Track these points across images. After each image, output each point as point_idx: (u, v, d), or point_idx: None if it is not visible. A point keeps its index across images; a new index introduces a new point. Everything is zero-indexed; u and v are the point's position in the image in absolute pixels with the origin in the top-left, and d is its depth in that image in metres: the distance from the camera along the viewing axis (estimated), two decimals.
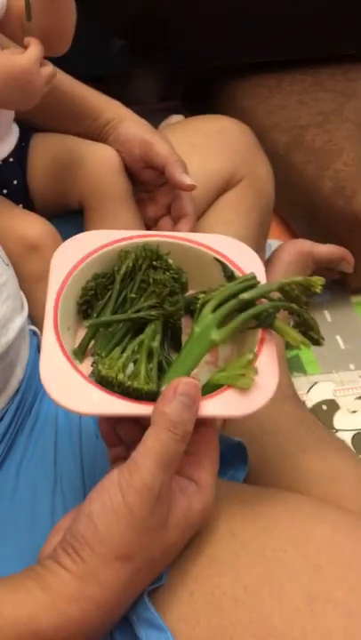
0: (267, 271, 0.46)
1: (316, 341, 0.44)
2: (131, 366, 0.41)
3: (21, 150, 0.67)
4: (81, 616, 0.35)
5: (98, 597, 0.35)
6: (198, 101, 1.27)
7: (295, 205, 1.03)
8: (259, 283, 0.43)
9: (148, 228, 0.69)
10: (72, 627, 0.35)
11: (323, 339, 0.44)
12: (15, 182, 0.67)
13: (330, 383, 0.86)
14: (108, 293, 0.44)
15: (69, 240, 0.46)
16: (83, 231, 0.48)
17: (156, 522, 0.36)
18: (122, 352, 0.41)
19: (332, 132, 1.02)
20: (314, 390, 0.85)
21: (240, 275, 0.45)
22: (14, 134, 0.67)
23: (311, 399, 0.84)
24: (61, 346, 0.40)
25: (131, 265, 0.44)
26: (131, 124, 0.68)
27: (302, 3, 1.11)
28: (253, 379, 0.39)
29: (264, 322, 0.42)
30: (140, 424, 0.41)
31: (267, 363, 0.40)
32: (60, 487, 0.49)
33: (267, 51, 1.17)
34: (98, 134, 0.69)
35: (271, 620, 0.37)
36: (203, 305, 0.42)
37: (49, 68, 0.54)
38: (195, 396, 0.37)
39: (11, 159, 0.66)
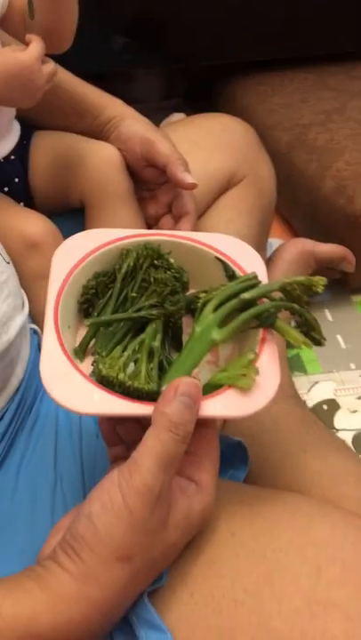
0: (268, 270, 0.46)
1: (318, 342, 0.43)
2: (131, 366, 0.41)
3: (23, 148, 0.67)
4: (80, 617, 0.35)
5: (97, 598, 0.35)
6: (200, 100, 1.27)
7: (297, 204, 1.02)
8: (260, 282, 0.43)
9: (150, 227, 0.69)
10: (71, 628, 0.35)
11: (324, 339, 0.44)
12: (16, 180, 0.67)
13: (331, 383, 0.86)
14: (109, 292, 0.44)
15: (70, 238, 0.46)
16: (84, 229, 0.47)
17: (156, 522, 0.36)
18: (122, 351, 0.41)
19: (334, 131, 1.02)
20: (314, 390, 0.85)
21: (241, 274, 0.44)
22: (15, 132, 0.67)
23: (312, 399, 0.84)
24: (62, 345, 0.40)
25: (132, 264, 0.44)
26: (132, 122, 0.68)
27: (304, 1, 1.11)
28: (254, 379, 0.39)
29: (265, 322, 0.41)
30: (141, 423, 0.41)
31: (268, 363, 0.40)
32: (61, 487, 0.49)
33: (267, 49, 1.17)
34: (99, 132, 0.69)
35: (271, 623, 0.37)
36: (204, 304, 0.42)
37: (50, 65, 0.54)
38: (195, 396, 0.37)
39: (12, 157, 0.66)
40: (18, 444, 0.51)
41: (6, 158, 0.65)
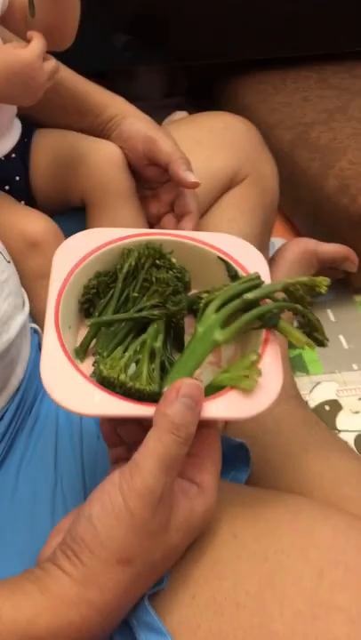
0: (270, 270, 0.45)
1: (321, 342, 0.43)
2: (133, 366, 0.40)
3: (24, 146, 0.67)
4: (80, 620, 0.34)
5: (98, 602, 0.35)
6: (202, 98, 1.27)
7: (299, 203, 1.02)
8: (263, 282, 0.43)
9: (151, 226, 0.69)
10: (71, 631, 0.34)
11: (327, 340, 0.43)
12: (17, 178, 0.66)
13: (333, 383, 0.86)
14: (111, 292, 0.44)
15: (71, 238, 0.46)
16: (85, 228, 0.47)
17: (157, 525, 0.35)
18: (124, 352, 0.41)
19: (337, 130, 1.02)
20: (317, 390, 0.85)
21: (244, 274, 0.44)
22: (17, 130, 0.66)
23: (314, 399, 0.84)
24: (62, 345, 0.39)
25: (133, 263, 0.44)
26: (134, 121, 0.67)
27: (305, 0, 1.10)
28: (257, 380, 0.38)
29: (268, 322, 0.41)
30: (142, 425, 0.41)
31: (271, 364, 0.40)
32: (61, 487, 0.49)
33: (269, 47, 1.17)
34: (101, 130, 0.69)
35: (273, 626, 0.37)
36: (206, 305, 0.42)
37: (52, 62, 0.54)
38: (197, 397, 0.37)
39: (13, 155, 0.66)
40: (18, 444, 0.50)
41: (7, 156, 0.65)
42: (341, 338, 0.91)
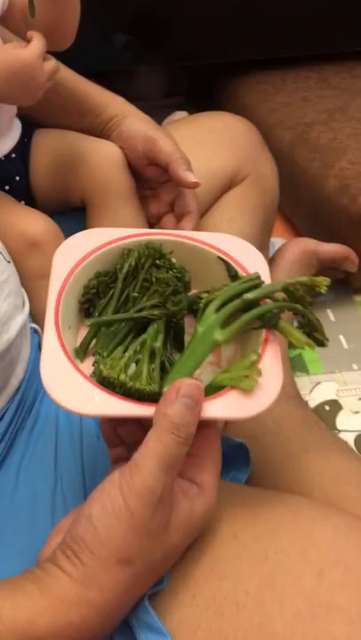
0: (270, 270, 0.45)
1: (321, 342, 0.43)
2: (133, 366, 0.40)
3: (24, 146, 0.67)
4: (80, 620, 0.34)
5: (98, 602, 0.35)
6: (202, 98, 1.27)
7: (299, 203, 1.02)
8: (263, 282, 0.43)
9: (151, 226, 0.69)
10: (71, 631, 0.34)
11: (327, 340, 0.43)
12: (17, 178, 0.66)
13: (333, 383, 0.86)
14: (111, 292, 0.44)
15: (71, 238, 0.45)
16: (85, 228, 0.47)
17: (157, 525, 0.35)
18: (124, 352, 0.41)
19: (337, 130, 1.02)
20: (316, 390, 0.85)
21: (244, 274, 0.44)
22: (16, 130, 0.66)
23: (314, 399, 0.83)
24: (62, 345, 0.39)
25: (133, 263, 0.44)
26: (134, 121, 0.67)
27: (305, 0, 1.10)
28: (257, 380, 0.38)
29: (268, 322, 0.41)
30: (142, 425, 0.41)
31: (271, 364, 0.40)
32: (61, 487, 0.49)
33: (269, 47, 1.17)
34: (101, 130, 0.69)
35: (273, 626, 0.36)
36: (206, 305, 0.42)
37: (52, 62, 0.54)
38: (197, 397, 0.36)
39: (13, 155, 0.66)
40: (18, 444, 0.50)
41: (7, 156, 0.65)
42: (341, 338, 0.91)
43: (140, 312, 0.42)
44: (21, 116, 0.67)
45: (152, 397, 0.38)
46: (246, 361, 0.39)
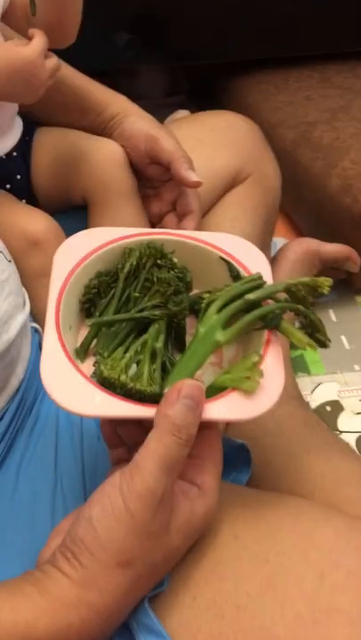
0: (272, 270, 0.45)
1: (323, 343, 0.43)
2: (133, 367, 0.40)
3: (25, 144, 0.67)
4: (80, 623, 0.34)
5: (98, 604, 0.34)
6: (204, 97, 1.26)
7: (301, 203, 1.02)
8: (265, 283, 0.43)
9: (153, 225, 0.68)
10: (71, 634, 0.34)
11: (329, 340, 0.43)
12: (19, 177, 0.66)
13: (334, 384, 0.85)
14: (112, 292, 0.43)
15: (72, 237, 0.45)
16: (86, 227, 0.47)
17: (158, 527, 0.35)
18: (124, 352, 0.40)
19: (340, 130, 1.01)
20: (318, 391, 0.84)
21: (246, 274, 0.44)
22: (18, 128, 0.66)
23: (315, 400, 0.83)
24: (63, 345, 0.39)
25: (135, 263, 0.43)
26: (136, 119, 0.67)
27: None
28: (259, 381, 0.38)
29: (270, 323, 0.41)
30: (143, 426, 0.41)
31: (273, 365, 0.39)
32: (61, 488, 0.49)
33: (269, 47, 1.17)
34: (103, 129, 0.69)
35: (274, 629, 0.36)
36: (208, 305, 0.41)
37: (53, 60, 0.54)
38: (199, 398, 0.36)
39: (14, 153, 0.65)
40: (18, 444, 0.50)
41: (8, 155, 0.65)
42: (343, 338, 0.91)
43: (142, 312, 0.42)
44: (23, 114, 0.66)
45: (153, 398, 0.38)
46: (248, 362, 0.39)
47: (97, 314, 0.43)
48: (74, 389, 0.37)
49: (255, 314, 0.41)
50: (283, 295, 0.42)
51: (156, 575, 0.37)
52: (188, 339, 0.43)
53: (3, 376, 0.49)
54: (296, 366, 0.87)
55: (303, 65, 1.19)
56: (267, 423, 0.64)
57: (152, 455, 0.35)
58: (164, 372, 0.41)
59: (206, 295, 0.43)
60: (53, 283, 0.42)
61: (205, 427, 0.38)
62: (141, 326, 0.42)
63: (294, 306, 0.41)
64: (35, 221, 0.60)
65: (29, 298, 0.55)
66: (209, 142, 0.74)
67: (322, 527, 0.41)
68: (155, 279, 0.43)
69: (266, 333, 0.41)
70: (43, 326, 0.51)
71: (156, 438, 0.35)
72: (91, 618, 0.34)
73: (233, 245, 0.46)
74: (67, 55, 0.59)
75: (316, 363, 0.88)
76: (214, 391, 0.39)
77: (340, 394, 0.84)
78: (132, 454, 0.36)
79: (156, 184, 0.68)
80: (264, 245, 0.79)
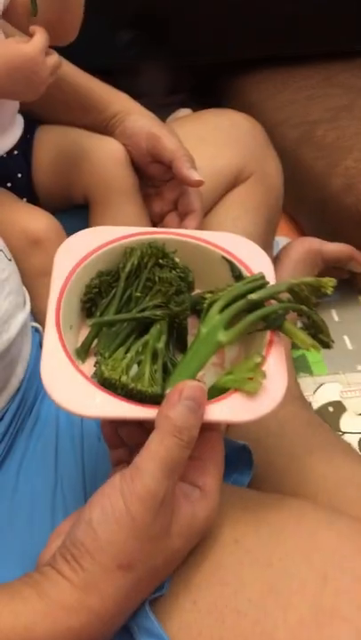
0: (274, 269, 0.45)
1: (326, 344, 0.43)
2: (135, 367, 0.40)
3: (26, 143, 0.66)
4: (80, 627, 0.34)
5: (98, 608, 0.34)
6: (206, 95, 1.26)
7: (304, 202, 1.01)
8: (268, 283, 0.42)
9: (154, 224, 0.68)
10: (70, 637, 0.34)
11: (333, 341, 0.43)
12: (19, 175, 0.66)
13: (337, 384, 0.85)
14: (113, 291, 0.43)
15: (73, 236, 0.45)
16: (88, 226, 0.47)
17: (159, 529, 0.35)
18: (126, 352, 0.40)
19: (342, 129, 1.01)
20: (320, 391, 0.84)
21: (248, 274, 0.43)
22: (19, 126, 0.66)
23: (317, 400, 0.83)
24: (63, 345, 0.39)
25: (136, 263, 0.43)
26: (138, 117, 0.67)
27: None
28: (261, 382, 0.38)
29: (273, 323, 0.41)
30: (144, 427, 0.40)
31: (275, 366, 0.39)
32: (61, 488, 0.48)
33: (269, 46, 1.16)
34: (104, 127, 0.68)
35: (276, 634, 0.36)
36: (210, 305, 0.41)
37: (54, 57, 0.53)
38: (200, 399, 0.36)
39: (15, 152, 0.65)
40: (18, 444, 0.50)
41: (9, 153, 0.65)
42: (346, 338, 0.91)
43: (143, 312, 0.42)
44: (24, 112, 0.66)
45: (154, 399, 0.38)
46: (250, 363, 0.39)
47: (98, 313, 0.43)
48: (74, 390, 0.37)
49: (258, 314, 0.40)
50: (285, 295, 0.42)
51: (156, 578, 0.37)
52: (190, 339, 0.42)
53: (3, 376, 0.49)
54: (298, 366, 0.86)
55: (306, 64, 1.19)
56: (269, 424, 0.64)
57: (153, 457, 0.35)
58: (166, 372, 0.40)
59: (208, 295, 0.42)
60: (54, 282, 0.42)
61: (207, 428, 0.37)
62: (143, 326, 0.42)
63: (297, 306, 0.41)
64: (36, 220, 0.59)
65: (30, 297, 0.55)
66: (211, 141, 0.74)
67: (325, 530, 0.41)
68: (156, 279, 0.43)
69: (268, 334, 0.40)
70: (43, 326, 0.51)
71: (157, 440, 0.35)
72: (91, 621, 0.34)
73: (235, 245, 0.45)
74: (68, 53, 0.58)
75: (318, 363, 0.87)
76: (216, 392, 0.38)
77: (343, 394, 0.83)
78: (133, 455, 0.36)
79: (157, 183, 0.68)
80: (266, 245, 0.78)
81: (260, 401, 0.37)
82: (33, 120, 0.67)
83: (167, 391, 0.38)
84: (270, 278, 0.43)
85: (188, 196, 0.65)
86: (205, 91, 1.28)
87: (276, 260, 0.85)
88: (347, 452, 0.65)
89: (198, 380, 0.38)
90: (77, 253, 0.43)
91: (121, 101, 0.69)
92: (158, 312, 0.42)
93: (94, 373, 0.40)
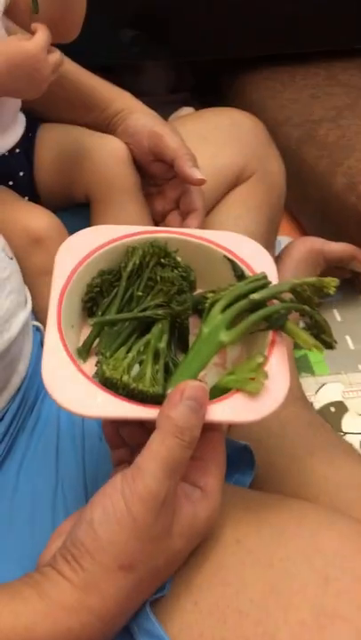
0: (276, 268, 0.44)
1: (329, 345, 0.42)
2: (136, 367, 0.40)
3: (28, 141, 0.66)
4: (80, 627, 0.34)
5: (99, 608, 0.34)
6: (209, 94, 1.26)
7: (306, 201, 1.01)
8: (270, 283, 0.42)
9: (156, 223, 0.68)
10: (71, 638, 0.34)
11: (335, 342, 0.43)
12: (21, 174, 0.65)
13: (338, 384, 0.84)
14: (114, 291, 0.43)
15: (75, 235, 0.45)
16: (89, 225, 0.46)
17: (160, 530, 0.35)
18: (127, 352, 0.40)
19: (345, 128, 1.01)
20: (322, 391, 0.84)
21: (250, 274, 0.43)
22: (20, 124, 0.66)
23: (319, 401, 0.82)
24: (65, 345, 0.39)
25: (138, 262, 0.43)
26: (140, 116, 0.67)
27: None
28: (263, 383, 0.38)
29: (275, 323, 0.40)
30: (145, 427, 0.40)
31: (277, 366, 0.39)
32: (62, 488, 0.48)
33: (269, 45, 1.16)
34: (106, 125, 0.68)
35: (277, 635, 0.36)
36: (212, 305, 0.41)
37: (56, 55, 0.53)
38: (202, 400, 0.36)
39: (17, 150, 0.65)
40: (19, 444, 0.50)
41: (11, 151, 0.64)
42: (348, 338, 0.90)
43: (145, 311, 0.41)
44: (26, 110, 0.66)
45: (155, 399, 0.38)
46: (252, 363, 0.39)
47: (99, 313, 0.43)
48: (75, 389, 0.37)
49: (260, 314, 0.40)
50: (288, 295, 0.41)
51: (157, 579, 0.37)
52: (192, 339, 0.42)
53: (4, 375, 0.48)
54: (300, 366, 0.86)
55: (309, 62, 1.18)
56: (271, 425, 0.64)
57: (154, 457, 0.34)
58: (167, 372, 0.40)
59: (210, 295, 0.42)
60: (55, 281, 0.41)
61: (209, 428, 0.37)
62: (144, 326, 0.42)
63: (300, 306, 0.41)
64: (37, 219, 0.59)
65: (31, 296, 0.55)
66: (213, 140, 0.73)
67: (326, 531, 0.41)
68: (158, 278, 0.42)
69: (271, 334, 0.40)
70: (44, 325, 0.51)
71: (158, 440, 0.35)
72: (91, 622, 0.34)
73: (237, 244, 0.45)
74: (71, 51, 0.58)
75: (320, 363, 0.87)
76: (218, 392, 0.38)
77: (345, 394, 0.83)
78: (135, 455, 0.36)
79: (159, 181, 0.67)
80: (268, 244, 0.78)
81: (262, 401, 0.37)
82: (35, 118, 0.67)
83: (169, 391, 0.37)
84: (273, 278, 0.43)
85: (190, 195, 0.65)
86: (208, 89, 1.28)
87: (278, 260, 0.84)
88: (348, 453, 0.65)
89: (200, 380, 0.38)
90: (79, 252, 0.43)
91: (123, 99, 0.68)
92: (160, 311, 0.41)
93: (95, 373, 0.39)
